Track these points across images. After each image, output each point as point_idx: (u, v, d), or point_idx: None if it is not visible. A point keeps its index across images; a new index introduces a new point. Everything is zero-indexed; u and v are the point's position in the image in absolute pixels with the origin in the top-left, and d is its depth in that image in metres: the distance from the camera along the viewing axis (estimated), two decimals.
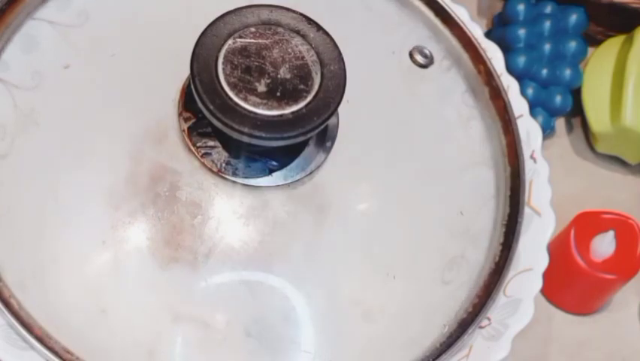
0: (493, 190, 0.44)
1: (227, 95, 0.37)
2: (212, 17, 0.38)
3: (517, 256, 0.43)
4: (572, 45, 0.61)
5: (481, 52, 0.46)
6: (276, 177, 0.40)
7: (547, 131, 0.60)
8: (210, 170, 0.40)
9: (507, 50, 0.57)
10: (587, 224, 0.53)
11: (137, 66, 0.42)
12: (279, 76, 0.37)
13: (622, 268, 0.53)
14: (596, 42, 0.63)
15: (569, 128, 0.63)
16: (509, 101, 0.46)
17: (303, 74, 0.38)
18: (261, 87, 0.37)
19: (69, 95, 0.41)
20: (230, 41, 0.38)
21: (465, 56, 0.47)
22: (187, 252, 0.39)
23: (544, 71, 0.60)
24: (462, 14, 0.47)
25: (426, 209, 0.43)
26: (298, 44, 0.38)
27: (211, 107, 0.36)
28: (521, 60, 0.59)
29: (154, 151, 0.40)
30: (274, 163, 0.40)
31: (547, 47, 0.60)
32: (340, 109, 0.38)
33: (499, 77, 0.46)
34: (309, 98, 0.37)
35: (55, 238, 0.38)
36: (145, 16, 0.43)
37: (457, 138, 0.45)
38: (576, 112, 0.62)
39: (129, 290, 0.38)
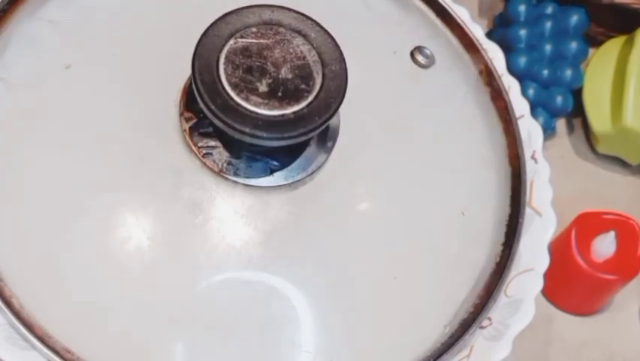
0: (494, 191, 0.44)
1: (228, 95, 0.37)
2: (214, 17, 0.38)
3: (518, 256, 0.43)
4: (573, 46, 0.61)
5: (482, 52, 0.46)
6: (277, 178, 0.40)
7: (548, 131, 0.60)
8: (211, 170, 0.39)
9: (508, 50, 0.57)
10: (588, 224, 0.53)
11: (138, 66, 0.42)
12: (280, 76, 0.37)
13: (622, 268, 0.53)
14: (596, 43, 0.63)
15: (570, 128, 0.63)
16: (510, 102, 0.46)
17: (304, 74, 0.38)
18: (263, 87, 0.37)
19: (70, 95, 0.41)
20: (231, 41, 0.38)
21: (466, 57, 0.47)
22: (188, 252, 0.39)
23: (545, 72, 0.60)
24: (463, 14, 0.47)
25: (427, 209, 0.43)
26: (299, 44, 0.38)
27: (212, 107, 0.36)
28: (522, 61, 0.59)
29: (155, 151, 0.40)
30: (275, 163, 0.40)
31: (548, 47, 0.60)
32: (341, 109, 0.38)
33: (500, 78, 0.46)
34: (310, 98, 0.37)
35: (56, 238, 0.38)
36: (146, 16, 0.43)
37: (458, 139, 0.45)
38: (577, 112, 0.62)
39: (130, 290, 0.38)
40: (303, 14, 0.39)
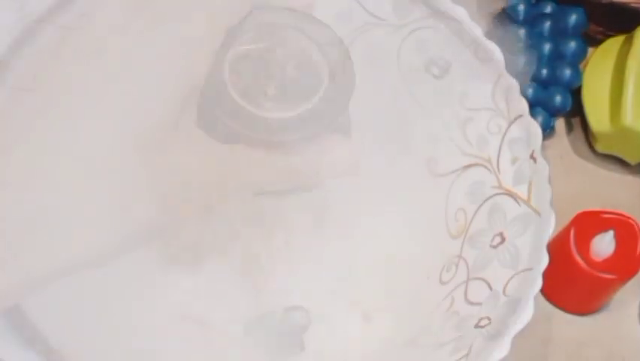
0: (492, 190, 0.44)
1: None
2: None
3: (517, 255, 0.43)
4: (572, 45, 0.61)
5: (481, 52, 0.47)
6: None
7: (547, 131, 0.60)
8: None
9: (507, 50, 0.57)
10: (587, 224, 0.53)
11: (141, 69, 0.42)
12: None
13: (622, 267, 0.53)
14: (595, 42, 0.63)
15: (569, 128, 0.63)
16: (509, 101, 0.46)
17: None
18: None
19: (70, 95, 0.41)
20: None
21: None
22: (188, 252, 0.39)
23: (544, 71, 0.60)
24: (462, 14, 0.47)
25: (425, 209, 0.43)
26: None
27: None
28: (521, 60, 0.59)
29: (155, 152, 0.40)
30: None
31: (547, 47, 0.60)
32: None
33: (498, 77, 0.46)
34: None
35: (56, 238, 0.38)
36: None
37: (456, 139, 0.45)
38: (576, 112, 0.62)
39: (129, 289, 0.38)
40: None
